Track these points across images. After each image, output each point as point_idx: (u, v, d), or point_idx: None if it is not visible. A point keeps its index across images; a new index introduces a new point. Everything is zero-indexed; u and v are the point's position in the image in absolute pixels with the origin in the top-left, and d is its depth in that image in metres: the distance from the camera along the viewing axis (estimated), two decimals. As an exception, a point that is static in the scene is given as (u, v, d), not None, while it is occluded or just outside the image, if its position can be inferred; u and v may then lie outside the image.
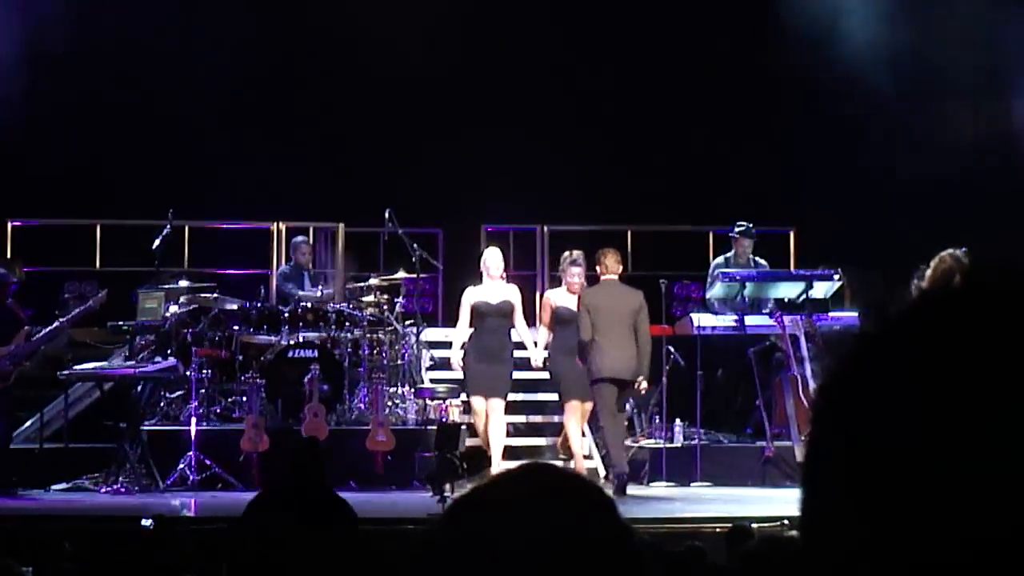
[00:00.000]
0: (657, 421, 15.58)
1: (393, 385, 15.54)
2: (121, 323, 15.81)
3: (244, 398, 14.93)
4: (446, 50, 19.18)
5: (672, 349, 15.57)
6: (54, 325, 14.48)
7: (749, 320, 15.60)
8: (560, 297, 14.69)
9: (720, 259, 16.68)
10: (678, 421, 15.41)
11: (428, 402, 15.19)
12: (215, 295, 15.71)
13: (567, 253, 14.90)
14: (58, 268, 17.85)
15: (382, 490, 14.25)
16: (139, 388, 15.09)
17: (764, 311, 15.82)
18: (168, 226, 15.88)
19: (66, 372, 14.78)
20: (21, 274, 15.15)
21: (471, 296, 14.66)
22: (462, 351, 14.78)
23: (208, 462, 14.20)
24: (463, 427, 14.53)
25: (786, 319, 15.22)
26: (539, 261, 18.83)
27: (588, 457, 15.79)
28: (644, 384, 14.34)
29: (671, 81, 19.57)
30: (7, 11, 18.19)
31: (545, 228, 18.91)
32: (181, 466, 14.17)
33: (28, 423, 15.26)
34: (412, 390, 15.51)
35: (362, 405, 15.28)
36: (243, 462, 14.36)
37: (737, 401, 15.92)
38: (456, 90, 19.34)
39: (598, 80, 19.76)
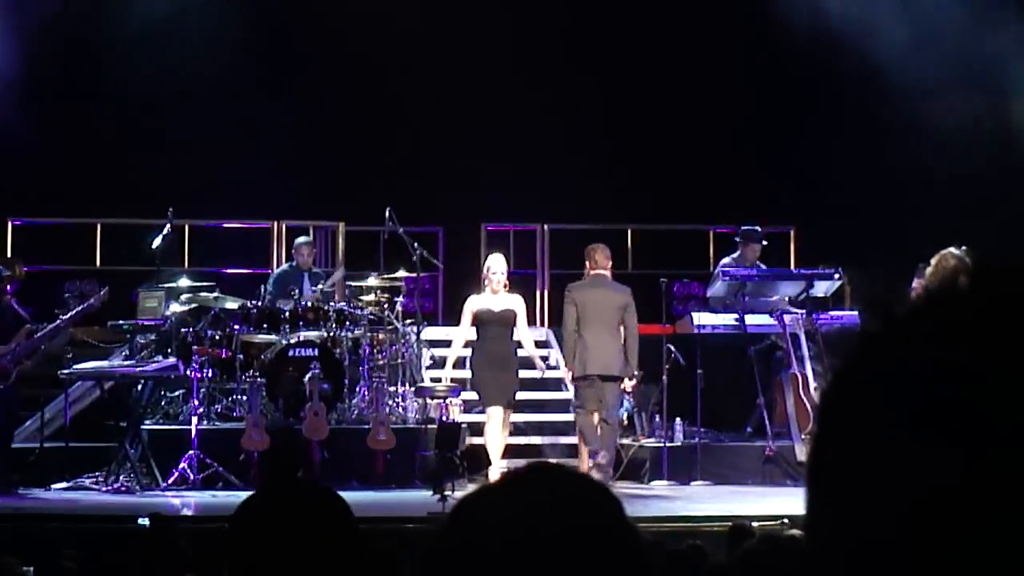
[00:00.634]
0: (657, 420, 15.58)
1: (393, 384, 15.53)
2: (121, 322, 15.82)
3: (244, 397, 14.93)
4: (447, 48, 19.17)
5: (672, 348, 15.57)
6: (55, 323, 14.48)
7: (750, 319, 15.59)
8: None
9: (728, 259, 16.64)
10: (678, 420, 15.41)
11: (428, 401, 15.19)
12: (215, 294, 15.70)
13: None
14: (59, 267, 17.87)
15: (382, 489, 14.25)
16: (140, 387, 15.09)
17: (763, 310, 15.82)
18: (168, 225, 15.88)
19: (67, 371, 14.77)
20: (21, 273, 15.14)
21: (473, 304, 14.60)
22: (463, 356, 14.79)
23: (209, 461, 14.20)
24: (463, 426, 14.54)
25: (786, 318, 15.22)
26: (539, 260, 18.84)
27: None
28: (632, 381, 14.36)
29: (672, 79, 19.56)
30: (6, 11, 18.17)
31: (546, 227, 18.91)
32: (182, 465, 14.16)
33: (28, 422, 15.26)
34: (412, 389, 15.51)
35: (363, 404, 15.28)
36: (244, 461, 14.35)
37: (737, 400, 15.90)
38: (456, 89, 19.33)
39: (599, 78, 19.76)
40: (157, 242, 15.72)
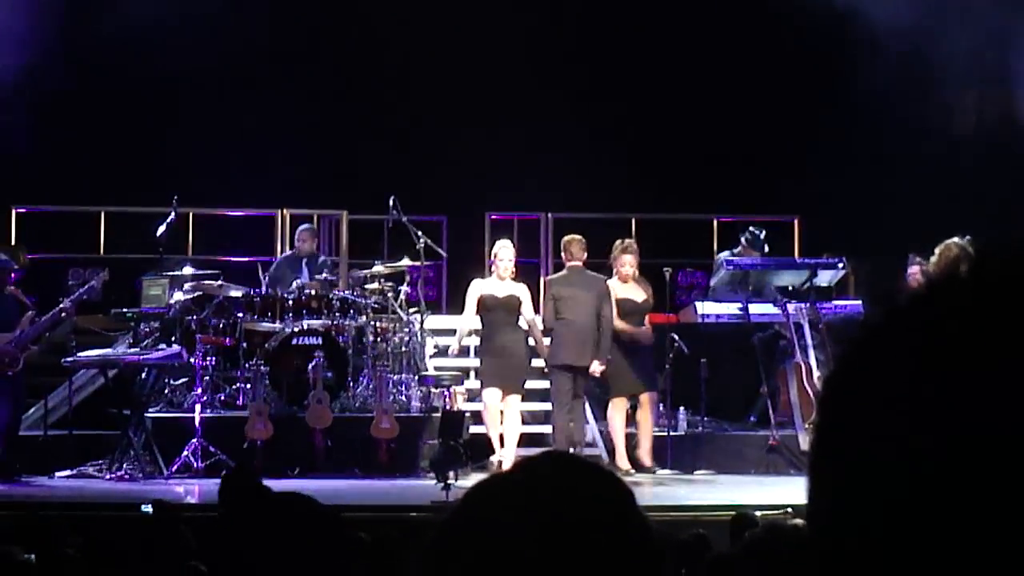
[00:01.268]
0: (661, 409, 15.56)
1: (397, 372, 15.52)
2: (125, 310, 15.82)
3: (248, 385, 14.94)
4: (452, 37, 19.16)
5: (676, 337, 15.57)
6: (58, 308, 14.49)
7: (753, 308, 15.59)
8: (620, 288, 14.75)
9: (726, 253, 16.65)
10: (682, 409, 15.41)
11: (432, 389, 15.19)
12: (219, 282, 15.71)
13: (619, 241, 14.98)
14: (62, 255, 17.89)
15: (386, 477, 14.27)
16: (143, 375, 15.10)
17: (767, 299, 15.81)
18: (172, 213, 15.88)
19: (70, 359, 14.78)
20: (25, 261, 15.16)
21: (478, 288, 14.65)
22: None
23: (212, 449, 14.21)
24: (467, 415, 14.54)
25: (790, 307, 15.22)
26: (543, 249, 18.83)
27: (591, 445, 15.81)
28: (599, 367, 14.42)
29: (677, 68, 19.54)
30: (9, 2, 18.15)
31: (549, 216, 18.90)
32: (185, 453, 14.17)
33: (32, 410, 15.27)
34: (416, 377, 15.50)
35: (366, 392, 15.28)
36: (247, 449, 14.36)
37: (741, 389, 15.90)
38: (461, 77, 19.32)
39: (603, 67, 19.75)
40: (161, 230, 15.72)
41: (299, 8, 19.85)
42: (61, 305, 14.52)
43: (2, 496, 12.84)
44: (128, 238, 17.70)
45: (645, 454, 14.72)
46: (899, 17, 17.66)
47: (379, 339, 15.68)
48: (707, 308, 15.57)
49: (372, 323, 15.67)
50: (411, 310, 16.15)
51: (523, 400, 14.85)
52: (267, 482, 13.83)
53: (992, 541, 1.06)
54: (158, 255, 15.90)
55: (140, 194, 17.68)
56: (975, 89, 18.94)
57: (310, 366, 14.75)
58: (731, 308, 15.65)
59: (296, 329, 15.23)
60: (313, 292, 15.60)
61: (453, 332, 15.40)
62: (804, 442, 14.44)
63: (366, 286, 15.99)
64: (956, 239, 12.01)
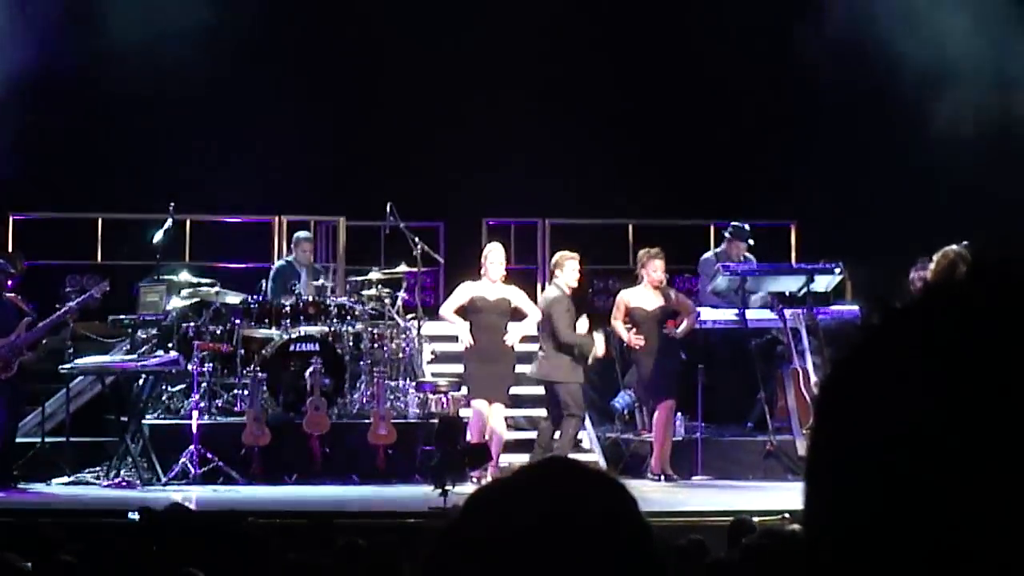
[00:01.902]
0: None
1: (394, 379, 15.53)
2: (122, 317, 15.82)
3: (246, 392, 14.94)
4: (449, 43, 19.17)
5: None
6: (55, 315, 14.48)
7: (750, 314, 15.59)
8: (637, 296, 14.75)
9: (710, 255, 16.63)
10: (679, 415, 15.39)
11: (429, 395, 15.19)
12: (216, 289, 15.70)
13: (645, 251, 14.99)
14: (59, 261, 17.88)
15: (383, 483, 14.27)
16: (140, 382, 15.08)
17: (764, 305, 15.79)
18: (170, 220, 15.87)
19: (68, 366, 14.77)
20: (22, 267, 15.15)
21: (468, 290, 14.63)
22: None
23: (210, 456, 14.19)
24: (464, 421, 14.54)
25: (787, 312, 15.21)
26: (540, 255, 18.83)
27: (588, 451, 15.81)
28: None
29: (675, 75, 19.56)
30: (12, 9, 18.14)
31: (546, 222, 18.90)
32: (182, 460, 14.16)
33: (29, 417, 15.25)
34: (413, 384, 15.50)
35: (363, 399, 15.28)
36: (244, 456, 14.36)
37: (738, 395, 15.89)
38: (458, 83, 19.33)
39: (601, 73, 19.75)
40: (158, 237, 15.71)
41: (297, 14, 19.85)
42: (58, 313, 14.51)
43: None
44: (125, 245, 17.68)
45: (654, 460, 14.69)
46: (896, 21, 17.68)
47: (376, 345, 15.69)
48: (704, 314, 15.56)
49: (369, 329, 15.67)
50: (408, 316, 16.16)
51: (508, 407, 14.84)
52: (264, 488, 13.86)
53: (988, 546, 1.06)
54: (155, 262, 15.89)
55: (137, 201, 17.66)
56: (973, 90, 18.93)
57: (307, 372, 14.75)
58: (728, 314, 15.65)
59: (293, 335, 15.24)
60: (311, 298, 15.61)
61: (450, 339, 15.38)
62: (802, 448, 14.43)
63: (363, 292, 15.99)
64: (954, 246, 12.01)
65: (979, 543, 1.06)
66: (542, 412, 15.79)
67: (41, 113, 18.51)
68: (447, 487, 12.07)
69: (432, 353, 16.26)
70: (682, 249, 18.06)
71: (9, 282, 14.56)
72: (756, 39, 19.18)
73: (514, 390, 14.96)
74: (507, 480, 1.62)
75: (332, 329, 15.41)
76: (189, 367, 14.73)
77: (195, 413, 14.37)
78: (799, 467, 14.31)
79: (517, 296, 14.72)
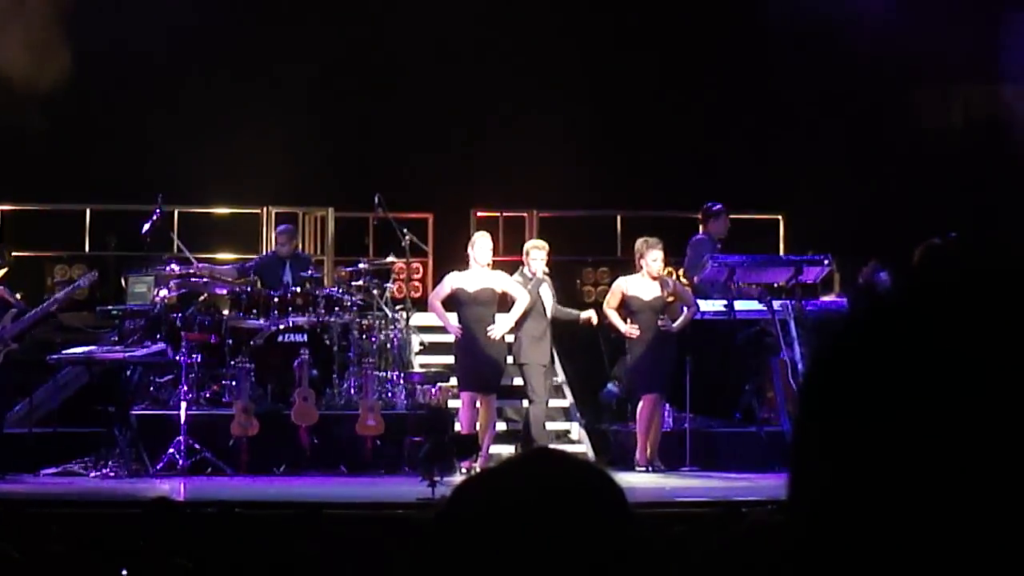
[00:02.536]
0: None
1: (382, 370, 15.53)
2: (110, 307, 15.80)
3: (234, 382, 14.93)
4: (436, 34, 19.15)
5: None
6: (43, 305, 14.46)
7: (739, 305, 15.58)
8: (635, 284, 14.75)
9: (703, 236, 16.51)
10: (667, 406, 15.40)
11: (418, 387, 15.18)
12: (205, 279, 15.69)
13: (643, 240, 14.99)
14: (47, 253, 17.84)
15: (371, 475, 14.27)
16: (128, 372, 15.07)
17: (752, 296, 15.80)
18: (158, 210, 15.85)
19: (56, 356, 14.75)
20: (10, 258, 15.12)
21: (452, 280, 14.62)
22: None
23: (197, 447, 14.19)
24: (453, 412, 14.54)
25: (775, 304, 15.21)
26: (528, 247, 18.79)
27: (577, 442, 15.82)
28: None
29: (662, 65, 19.55)
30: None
31: (536, 213, 18.89)
32: (171, 451, 14.15)
33: (18, 407, 15.23)
34: (401, 375, 15.50)
35: (351, 390, 15.28)
36: (233, 447, 14.36)
37: (727, 386, 15.89)
38: (447, 74, 19.30)
39: (589, 64, 19.73)
40: (146, 228, 15.70)
41: (284, 4, 19.81)
42: (46, 303, 14.50)
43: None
44: (113, 236, 17.64)
45: (639, 452, 14.70)
46: (885, 12, 17.68)
47: (365, 336, 15.68)
48: (693, 304, 15.52)
49: (358, 320, 15.66)
50: (396, 307, 16.16)
51: (498, 398, 14.87)
52: (253, 480, 13.85)
53: (975, 533, 1.07)
54: (143, 253, 15.86)
55: (125, 192, 17.64)
56: (961, 84, 18.96)
57: (295, 363, 14.75)
58: (716, 305, 15.64)
59: (282, 326, 15.23)
60: (299, 289, 15.60)
61: (437, 330, 15.39)
62: (789, 438, 14.44)
63: (352, 283, 15.98)
64: (937, 239, 12.06)
65: (967, 530, 1.08)
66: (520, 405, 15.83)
67: (27, 103, 18.46)
68: (435, 478, 12.07)
69: (420, 344, 16.26)
70: (671, 241, 18.02)
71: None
72: (744, 29, 19.19)
73: (505, 381, 14.98)
74: (493, 470, 1.62)
75: (320, 320, 15.40)
76: (177, 358, 14.71)
77: (183, 404, 14.35)
78: (787, 457, 14.32)
79: (501, 281, 14.68)
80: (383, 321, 15.85)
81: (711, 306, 15.68)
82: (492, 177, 18.56)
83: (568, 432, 16.20)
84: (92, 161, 18.48)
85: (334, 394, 15.25)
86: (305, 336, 15.13)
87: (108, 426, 14.36)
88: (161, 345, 14.88)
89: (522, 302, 14.54)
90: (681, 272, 16.59)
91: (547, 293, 14.97)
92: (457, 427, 14.36)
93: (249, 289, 15.70)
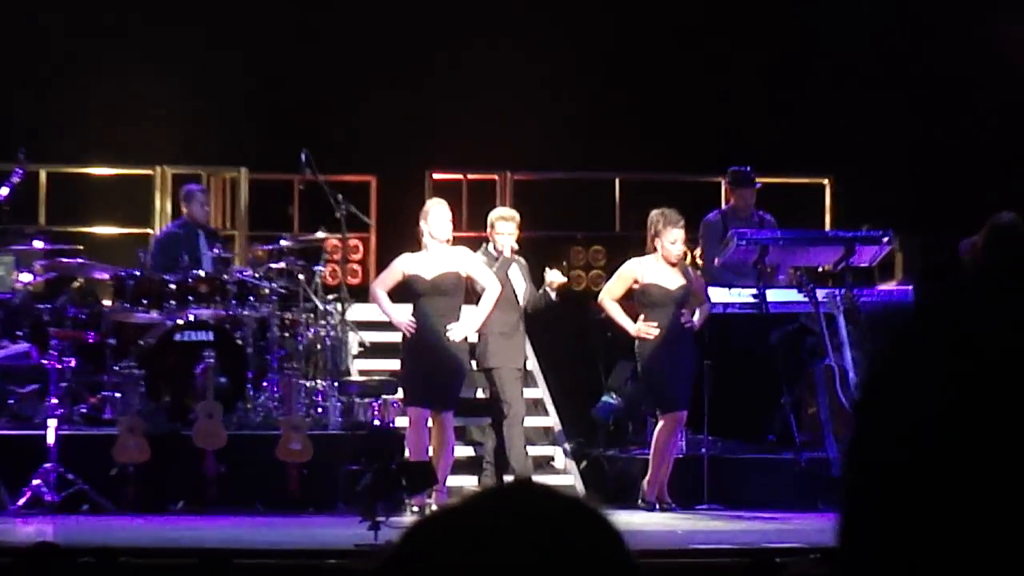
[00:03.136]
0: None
1: (311, 378, 15.55)
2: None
3: (118, 394, 14.93)
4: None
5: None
6: None
7: (772, 295, 15.61)
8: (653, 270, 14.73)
9: (714, 216, 16.59)
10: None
11: (356, 400, 15.19)
12: (80, 260, 15.68)
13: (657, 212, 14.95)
14: None
15: (296, 514, 14.29)
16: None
17: (790, 284, 15.85)
18: (19, 170, 15.81)
19: None
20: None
21: (403, 264, 14.50)
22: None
23: (71, 477, 14.17)
24: (401, 433, 14.55)
25: (820, 294, 15.25)
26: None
27: (562, 471, 15.86)
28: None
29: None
30: None
31: (509, 176, 18.91)
32: (36, 482, 14.13)
33: None
34: (336, 384, 15.52)
35: (271, 404, 15.29)
36: (117, 477, 14.35)
37: (756, 400, 15.93)
38: (396, 7, 19.26)
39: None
40: (3, 192, 15.66)
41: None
42: None
43: None
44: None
45: (648, 484, 14.70)
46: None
47: (288, 334, 15.71)
48: (713, 295, 15.56)
49: (279, 313, 15.67)
50: (329, 297, 16.16)
51: (456, 415, 14.86)
52: (143, 520, 13.85)
53: None
54: (0, 225, 15.84)
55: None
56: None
57: (198, 369, 14.75)
58: (744, 295, 15.66)
59: (180, 322, 15.23)
60: (203, 274, 15.56)
61: (383, 326, 15.39)
62: (837, 467, 14.49)
63: (271, 265, 15.97)
64: (1007, 213, 12.15)
65: None
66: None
67: None
68: (379, 518, 12.09)
69: (360, 345, 16.28)
70: (684, 211, 18.07)
71: None
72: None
73: (465, 393, 15.00)
74: (453, 509, 1.61)
75: (230, 313, 15.40)
76: (44, 361, 14.70)
77: (52, 422, 14.34)
78: (834, 493, 14.37)
79: (467, 263, 14.59)
80: (312, 315, 15.87)
81: (736, 297, 15.72)
82: (452, 130, 18.56)
83: (551, 459, 16.25)
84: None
85: (247, 409, 15.26)
86: (211, 334, 15.14)
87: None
88: (24, 345, 14.87)
89: (493, 292, 14.50)
90: (699, 253, 16.62)
91: (518, 277, 14.95)
92: (407, 453, 14.37)
93: (138, 273, 15.64)
